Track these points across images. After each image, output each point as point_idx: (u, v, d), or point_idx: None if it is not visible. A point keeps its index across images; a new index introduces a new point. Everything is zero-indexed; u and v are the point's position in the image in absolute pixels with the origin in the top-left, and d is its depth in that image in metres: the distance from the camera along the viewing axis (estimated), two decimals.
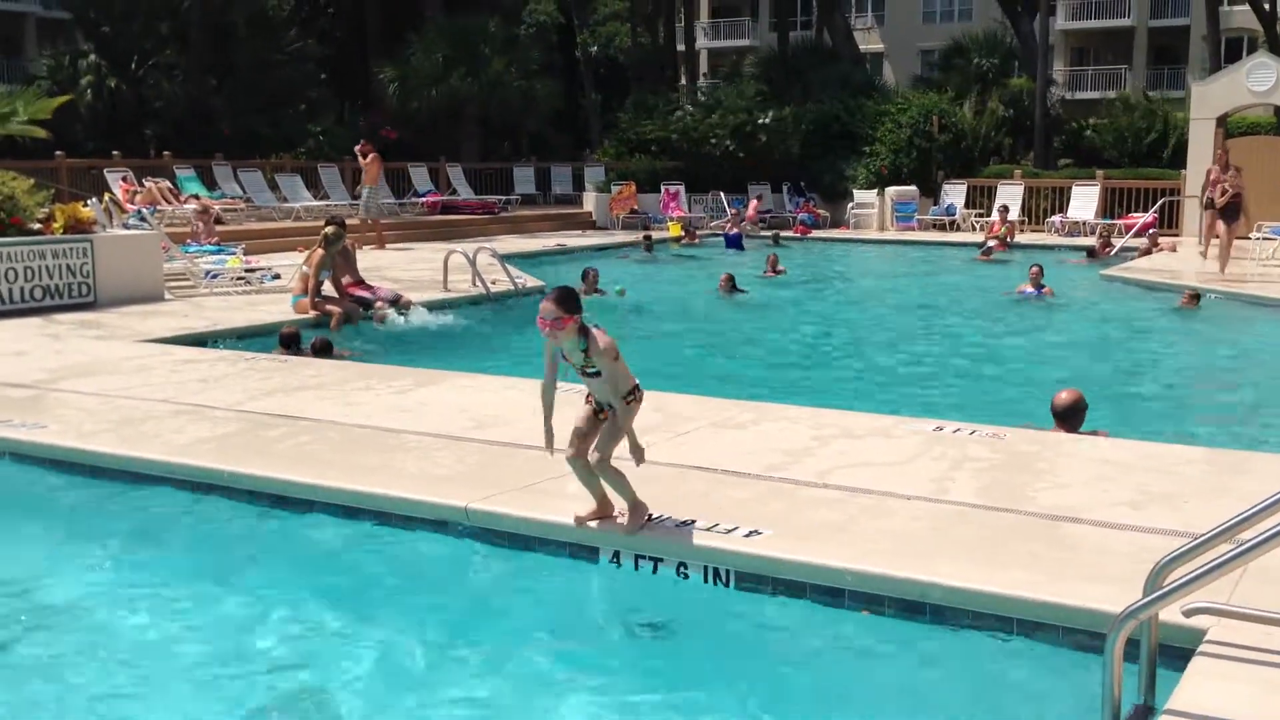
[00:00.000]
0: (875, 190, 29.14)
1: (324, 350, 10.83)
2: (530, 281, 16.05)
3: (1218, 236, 17.89)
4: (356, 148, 22.62)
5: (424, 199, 27.78)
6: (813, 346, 13.19)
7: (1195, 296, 14.88)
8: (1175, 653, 3.94)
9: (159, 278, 14.32)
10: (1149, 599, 3.58)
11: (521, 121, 34.74)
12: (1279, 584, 4.39)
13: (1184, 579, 3.53)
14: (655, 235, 24.41)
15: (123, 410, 7.75)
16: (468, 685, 4.32)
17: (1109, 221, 25.08)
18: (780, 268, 19.31)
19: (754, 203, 28.70)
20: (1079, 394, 7.35)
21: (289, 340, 10.85)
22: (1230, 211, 17.62)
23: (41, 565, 5.57)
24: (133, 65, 31.11)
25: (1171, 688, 3.64)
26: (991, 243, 23.01)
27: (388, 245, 21.69)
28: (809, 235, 27.23)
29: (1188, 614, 3.97)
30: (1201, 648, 3.89)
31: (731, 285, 16.38)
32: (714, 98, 33.09)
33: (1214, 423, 8.94)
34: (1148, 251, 21.53)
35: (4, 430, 7.16)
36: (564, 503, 5.65)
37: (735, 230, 24.70)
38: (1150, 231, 23.13)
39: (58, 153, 21.72)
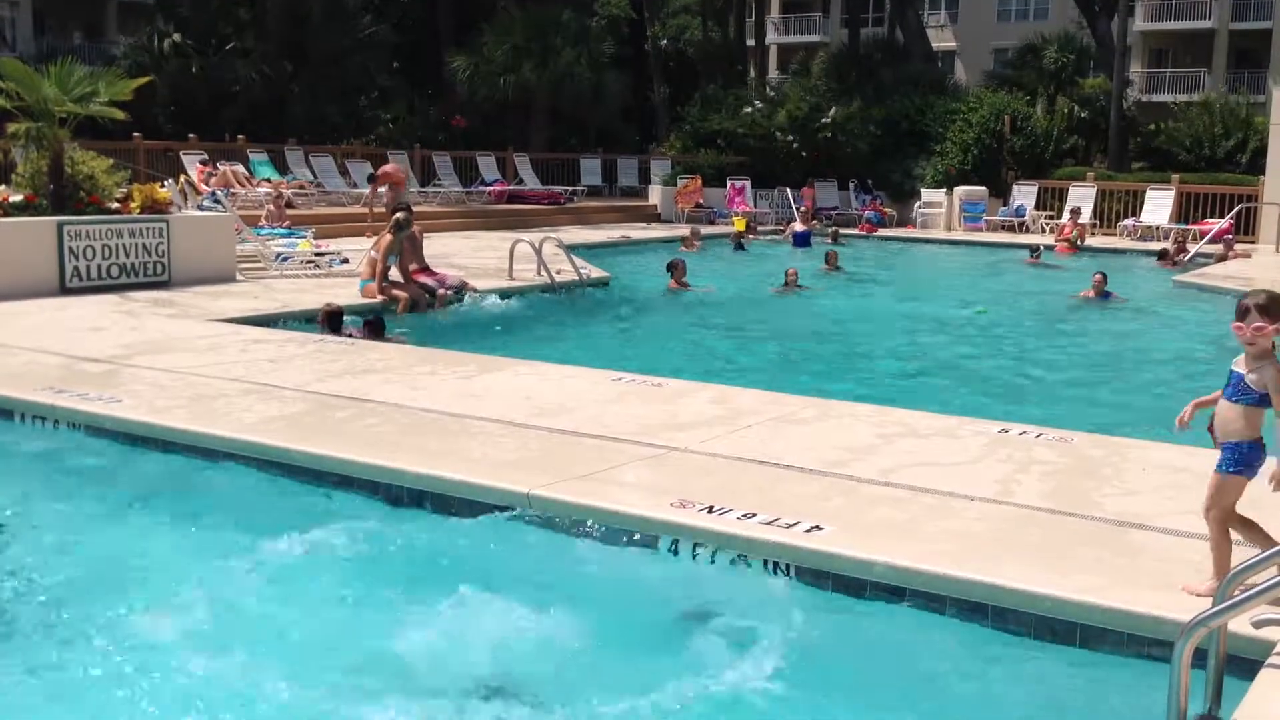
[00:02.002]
0: (943, 190, 28.85)
1: (377, 328, 10.96)
2: (594, 272, 16.11)
3: None
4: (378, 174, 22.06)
5: (491, 188, 27.98)
6: (870, 345, 13.08)
7: None
8: (1243, 664, 3.87)
9: (231, 259, 14.58)
10: (1219, 608, 3.53)
11: (590, 113, 34.83)
12: None
13: (1255, 590, 3.47)
14: (710, 231, 24.33)
15: (195, 387, 7.91)
16: (523, 664, 4.36)
17: (1183, 226, 24.61)
18: (839, 265, 19.21)
19: (807, 190, 28.45)
20: None
21: (332, 319, 10.98)
22: None
23: (111, 536, 5.70)
24: (210, 50, 31.67)
25: (1238, 699, 3.58)
26: (1044, 244, 22.63)
27: (451, 233, 21.87)
28: (875, 234, 27.03)
29: (1257, 625, 3.90)
30: (1270, 659, 3.82)
31: (795, 282, 16.35)
32: (782, 93, 32.95)
33: None
34: (1223, 258, 21.10)
35: (80, 403, 7.34)
36: (622, 491, 5.68)
37: (804, 228, 24.53)
38: (1226, 238, 22.66)
39: (135, 134, 22.17)
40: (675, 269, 16.11)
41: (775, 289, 16.51)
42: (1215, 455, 4.43)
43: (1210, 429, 4.48)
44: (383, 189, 20.15)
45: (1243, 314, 4.29)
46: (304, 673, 4.32)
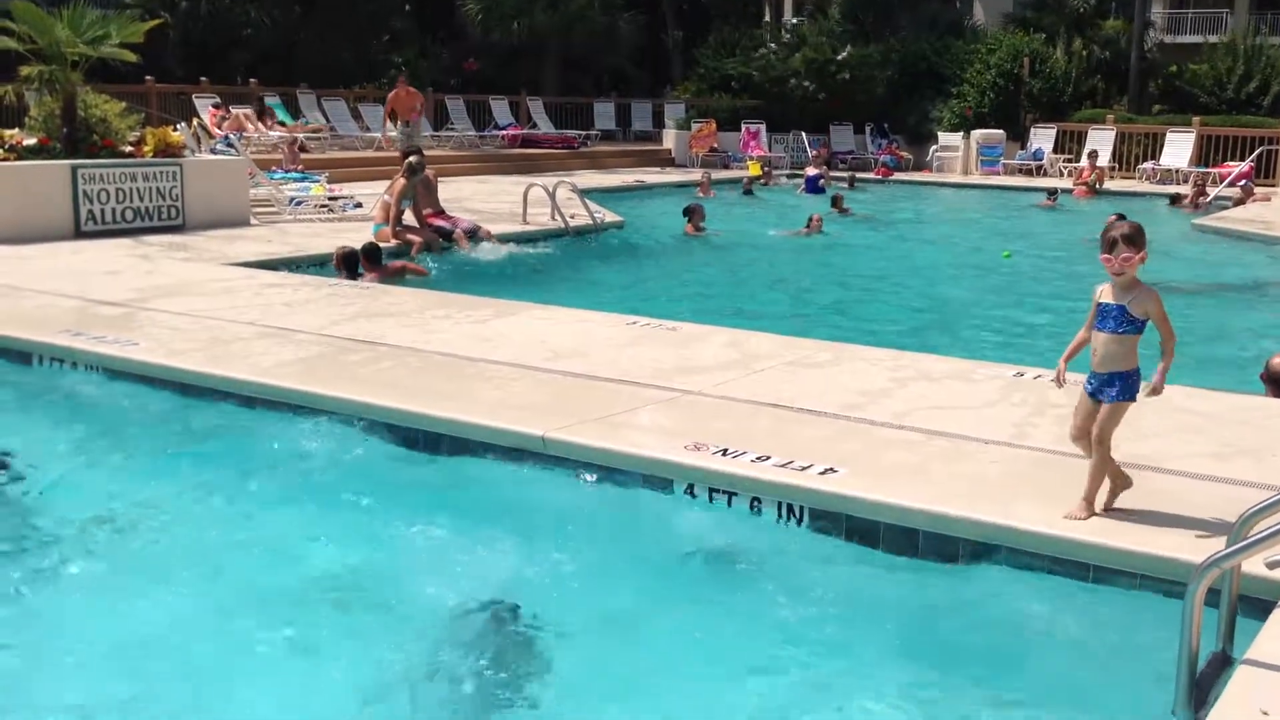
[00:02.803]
0: (960, 133, 28.56)
1: (373, 257, 11.00)
2: (609, 217, 16.05)
3: None
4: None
5: (504, 132, 27.83)
6: (883, 289, 13.02)
7: None
8: (1256, 604, 3.89)
9: (245, 203, 14.57)
10: (1233, 549, 3.53)
11: (603, 56, 34.50)
12: None
13: (1269, 530, 3.47)
14: (724, 175, 24.14)
15: (211, 330, 7.94)
16: (536, 605, 4.40)
17: (1203, 170, 24.35)
18: (846, 207, 19.10)
19: (818, 153, 28.19)
20: None
21: (347, 260, 10.96)
22: None
23: (127, 477, 5.76)
24: None
25: (1250, 639, 3.60)
26: (1061, 187, 22.39)
27: (464, 177, 21.78)
28: (890, 177, 26.83)
29: (1271, 566, 3.91)
30: None
31: (819, 227, 16.24)
32: (797, 35, 32.55)
33: None
34: (1241, 202, 20.88)
35: (97, 346, 7.38)
36: (638, 434, 5.70)
37: (816, 173, 24.37)
38: (1244, 182, 22.41)
39: (148, 78, 22.07)
40: (693, 214, 16.04)
41: (790, 232, 16.42)
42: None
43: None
44: (393, 134, 20.09)
45: (1110, 246, 4.45)
46: (314, 612, 4.38)
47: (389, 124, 21.94)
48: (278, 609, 4.41)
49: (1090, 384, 4.64)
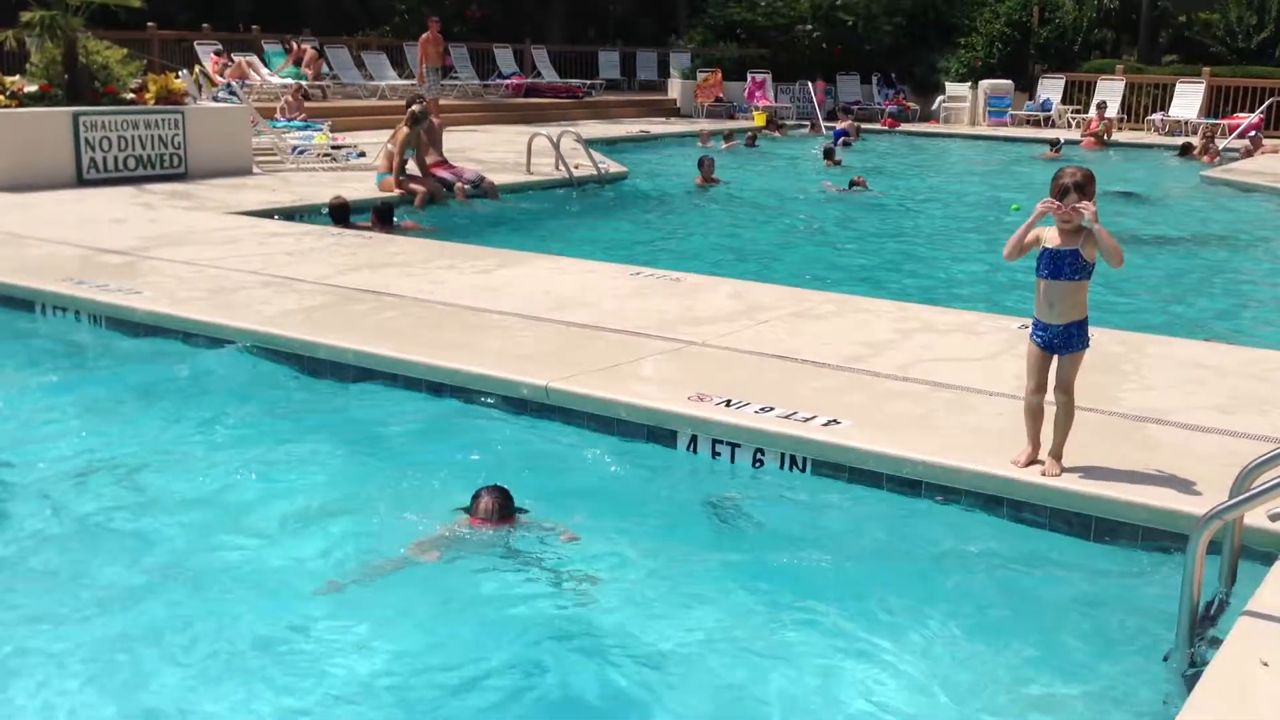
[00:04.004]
0: (968, 84, 28.29)
1: (385, 215, 10.95)
2: (613, 167, 15.97)
3: None
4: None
5: (508, 81, 27.61)
6: (888, 241, 12.96)
7: None
8: (1258, 556, 3.90)
9: (247, 151, 14.49)
10: (1235, 501, 3.54)
11: (608, 4, 34.12)
12: None
13: (1271, 483, 3.48)
14: (719, 128, 23.93)
15: (214, 279, 7.93)
16: (546, 557, 4.42)
17: (1212, 121, 24.14)
18: (837, 158, 18.94)
19: (819, 85, 27.88)
20: None
21: (336, 212, 10.93)
22: None
23: (131, 424, 5.77)
24: None
25: (1252, 590, 3.62)
26: (1065, 138, 22.14)
27: (468, 127, 21.65)
28: (897, 128, 26.62)
29: (1273, 518, 3.92)
30: None
31: (864, 183, 15.99)
32: None
33: None
34: (1249, 153, 20.72)
35: (100, 294, 7.37)
36: (642, 385, 5.70)
37: (843, 127, 23.75)
38: (1254, 133, 22.21)
39: (150, 24, 21.88)
40: (703, 165, 15.94)
41: (837, 188, 16.09)
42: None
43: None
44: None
45: (1062, 193, 4.42)
46: (314, 564, 4.41)
47: (422, 69, 21.88)
48: (274, 558, 4.44)
49: (1043, 335, 4.57)
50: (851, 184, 15.83)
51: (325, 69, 24.42)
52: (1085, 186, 4.41)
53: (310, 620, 3.97)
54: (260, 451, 5.39)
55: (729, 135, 22.42)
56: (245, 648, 3.79)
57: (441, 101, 21.62)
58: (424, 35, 21.81)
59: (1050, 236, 4.53)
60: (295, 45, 23.66)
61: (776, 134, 24.79)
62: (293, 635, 3.88)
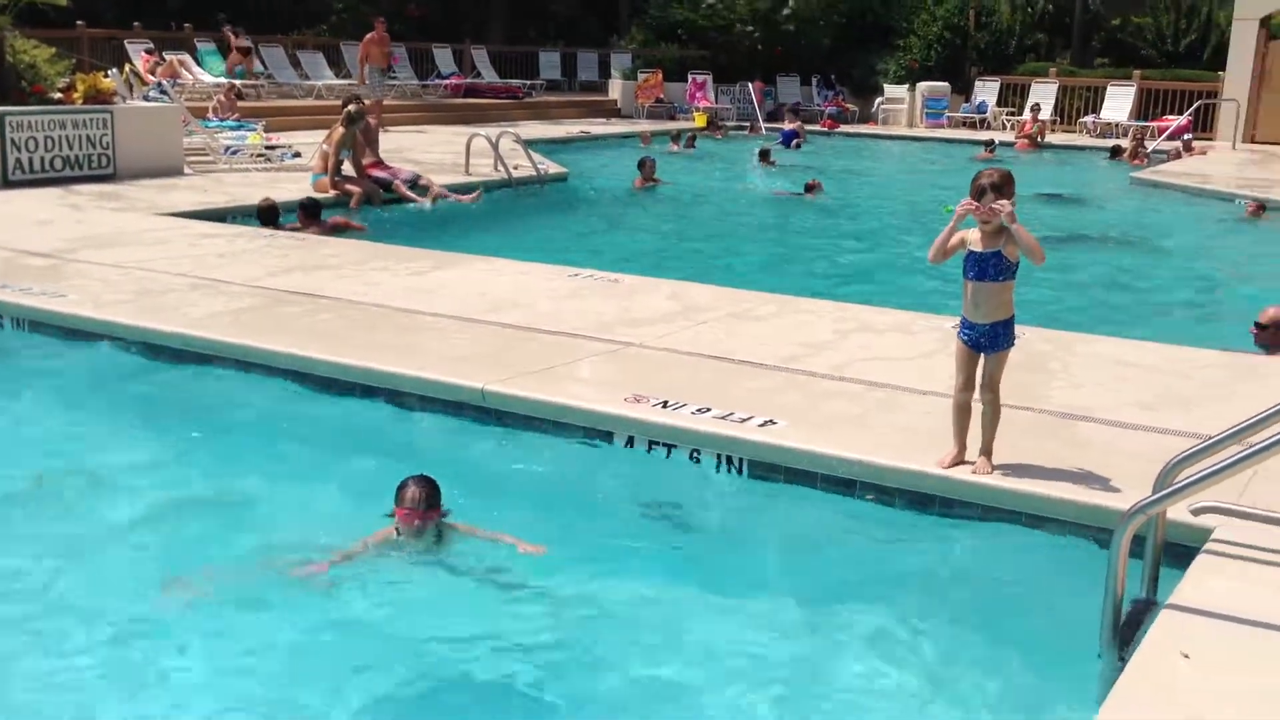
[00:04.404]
0: (906, 86, 28.59)
1: (312, 211, 10.83)
2: (553, 168, 15.91)
3: None
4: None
5: (447, 81, 27.41)
6: (824, 243, 13.02)
7: (1261, 206, 14.36)
8: (1181, 550, 3.97)
9: (179, 151, 14.25)
10: (1158, 496, 3.60)
11: (548, 4, 34.02)
12: None
13: (1193, 478, 3.54)
14: (663, 129, 23.94)
15: (141, 282, 7.78)
16: (479, 560, 4.38)
17: (1142, 123, 24.59)
18: (772, 160, 19.02)
19: (758, 86, 27.98)
20: None
21: (267, 214, 10.81)
22: None
23: (51, 430, 5.65)
24: None
25: (1175, 584, 3.68)
26: (1000, 139, 22.42)
27: (406, 127, 21.46)
28: (836, 130, 26.82)
29: (1195, 513, 4.00)
30: (1207, 546, 3.92)
31: (819, 188, 15.86)
32: None
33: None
34: (1177, 155, 21.14)
35: (23, 297, 7.20)
36: (579, 387, 5.68)
37: (791, 128, 23.78)
38: (1185, 136, 22.67)
39: (79, 22, 21.44)
40: (644, 166, 15.92)
41: (789, 192, 16.05)
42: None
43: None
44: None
45: (979, 194, 4.45)
46: (249, 572, 4.34)
47: (364, 70, 21.70)
48: (203, 561, 4.36)
49: (970, 334, 4.61)
50: (807, 188, 15.78)
51: (259, 67, 24.09)
52: (1002, 187, 4.44)
53: (196, 632, 3.90)
54: (182, 457, 5.30)
55: (676, 136, 22.40)
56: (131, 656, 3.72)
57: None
58: (369, 35, 21.63)
59: (974, 239, 4.56)
60: (229, 35, 23.35)
61: (717, 135, 24.86)
62: (192, 647, 3.81)
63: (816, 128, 26.60)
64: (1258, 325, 7.07)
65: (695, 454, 5.15)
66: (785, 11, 29.35)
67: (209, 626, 3.94)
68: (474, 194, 13.48)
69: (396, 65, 25.73)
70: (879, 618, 4.02)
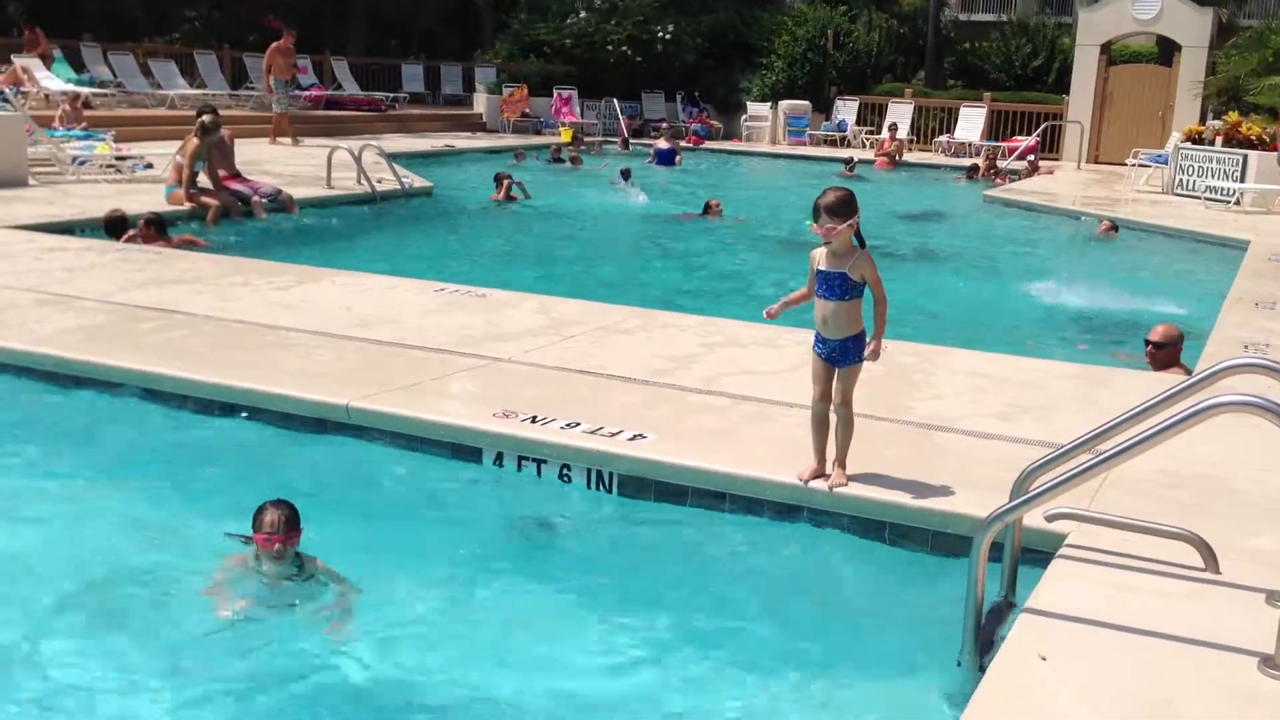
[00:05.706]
0: (769, 104, 29.13)
1: (158, 226, 10.43)
2: (417, 182, 15.71)
3: None
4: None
5: (307, 93, 26.83)
6: (676, 255, 13.11)
7: (1114, 226, 14.95)
8: (1037, 555, 4.10)
9: (22, 161, 13.60)
10: (1014, 504, 3.71)
11: (411, 17, 33.64)
12: (1135, 493, 4.60)
13: (1047, 485, 3.66)
14: (536, 141, 23.83)
15: None
16: (344, 574, 4.28)
17: (993, 143, 25.53)
18: (631, 180, 19.06)
19: (625, 120, 28.11)
20: (1177, 329, 7.31)
21: (114, 226, 10.41)
22: None
23: None
24: None
25: (1032, 588, 3.80)
26: (859, 157, 22.95)
27: (266, 139, 20.93)
28: (701, 146, 27.15)
29: (1049, 519, 4.14)
30: (1061, 551, 4.06)
31: (719, 210, 15.54)
32: (611, 1, 32.43)
33: (1095, 339, 9.17)
34: (1029, 174, 22.01)
35: None
36: (446, 402, 5.61)
37: (668, 146, 23.59)
38: (1031, 156, 23.60)
39: None
40: (501, 181, 15.85)
41: (690, 215, 15.92)
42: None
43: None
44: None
45: (815, 215, 4.55)
46: (86, 600, 4.16)
47: (269, 80, 21.07)
48: (61, 600, 4.16)
49: (823, 349, 4.71)
50: (706, 209, 15.59)
51: (109, 75, 23.21)
52: (837, 209, 4.49)
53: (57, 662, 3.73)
54: (26, 481, 5.05)
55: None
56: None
57: (236, 113, 20.85)
58: (274, 44, 21.00)
59: (820, 257, 4.64)
60: (30, 31, 22.34)
61: (589, 150, 24.88)
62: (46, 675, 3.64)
63: (682, 144, 26.86)
64: (1151, 344, 7.26)
65: (565, 470, 5.13)
66: (662, 35, 29.53)
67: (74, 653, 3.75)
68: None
69: (303, 76, 25.06)
70: (746, 629, 4.06)
